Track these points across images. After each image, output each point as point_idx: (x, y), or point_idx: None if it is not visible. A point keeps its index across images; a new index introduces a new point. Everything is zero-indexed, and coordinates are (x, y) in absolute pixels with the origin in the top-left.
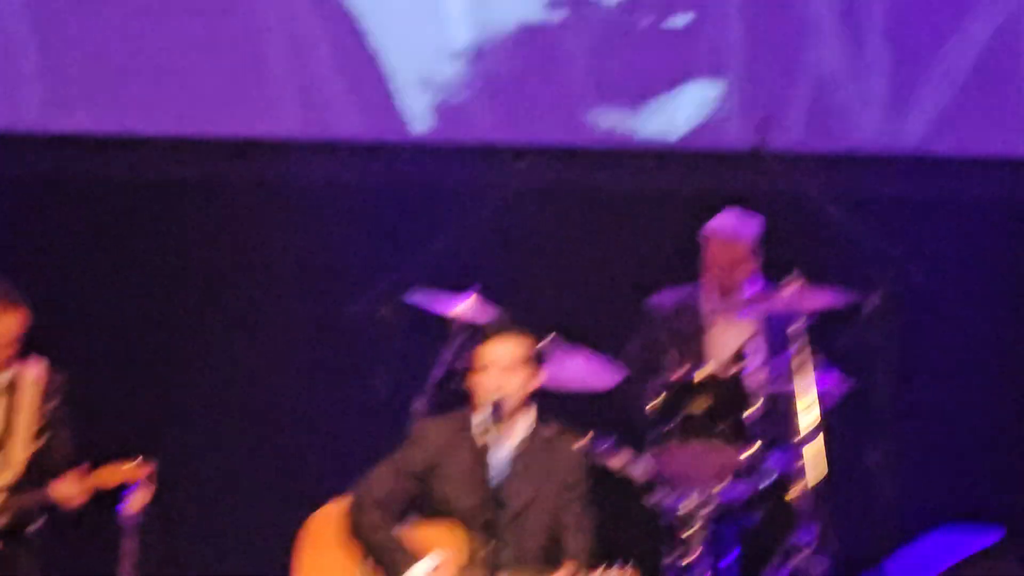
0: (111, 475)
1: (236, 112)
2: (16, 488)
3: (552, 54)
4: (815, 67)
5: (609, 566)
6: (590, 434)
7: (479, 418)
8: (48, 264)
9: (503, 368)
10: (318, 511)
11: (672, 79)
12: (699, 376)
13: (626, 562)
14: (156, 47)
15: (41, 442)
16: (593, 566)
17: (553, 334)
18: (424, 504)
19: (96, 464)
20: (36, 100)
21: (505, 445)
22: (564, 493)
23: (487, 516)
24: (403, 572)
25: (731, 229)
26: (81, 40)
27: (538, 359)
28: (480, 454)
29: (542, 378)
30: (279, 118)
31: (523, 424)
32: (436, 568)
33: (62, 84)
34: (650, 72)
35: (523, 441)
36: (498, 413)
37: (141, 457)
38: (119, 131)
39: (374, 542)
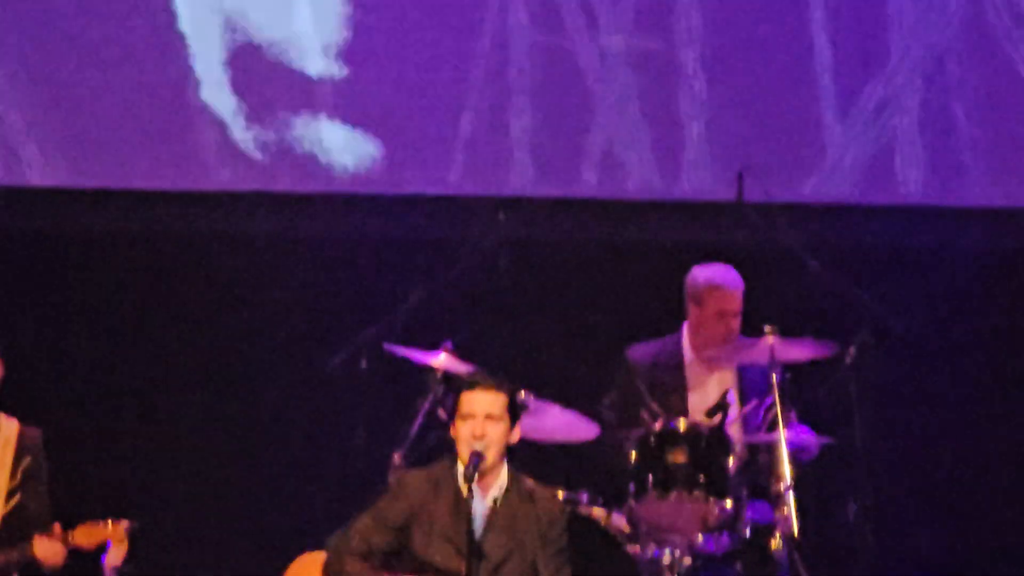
0: (90, 535)
1: (214, 165)
2: None
3: (526, 108)
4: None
5: None
6: (560, 491)
7: (461, 468)
8: (20, 319)
9: (485, 416)
10: (296, 561)
11: (646, 130)
12: (680, 426)
13: None
14: (116, 96)
15: (15, 500)
16: None
17: (524, 391)
18: (402, 556)
19: (73, 523)
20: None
21: (485, 497)
22: (543, 546)
23: (466, 568)
24: None
25: (732, 280)
26: (36, 93)
27: (517, 411)
28: (461, 505)
29: (520, 431)
30: (257, 171)
31: (502, 476)
32: None
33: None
34: (621, 124)
35: (502, 493)
36: (479, 463)
37: (121, 518)
38: (91, 184)
39: None
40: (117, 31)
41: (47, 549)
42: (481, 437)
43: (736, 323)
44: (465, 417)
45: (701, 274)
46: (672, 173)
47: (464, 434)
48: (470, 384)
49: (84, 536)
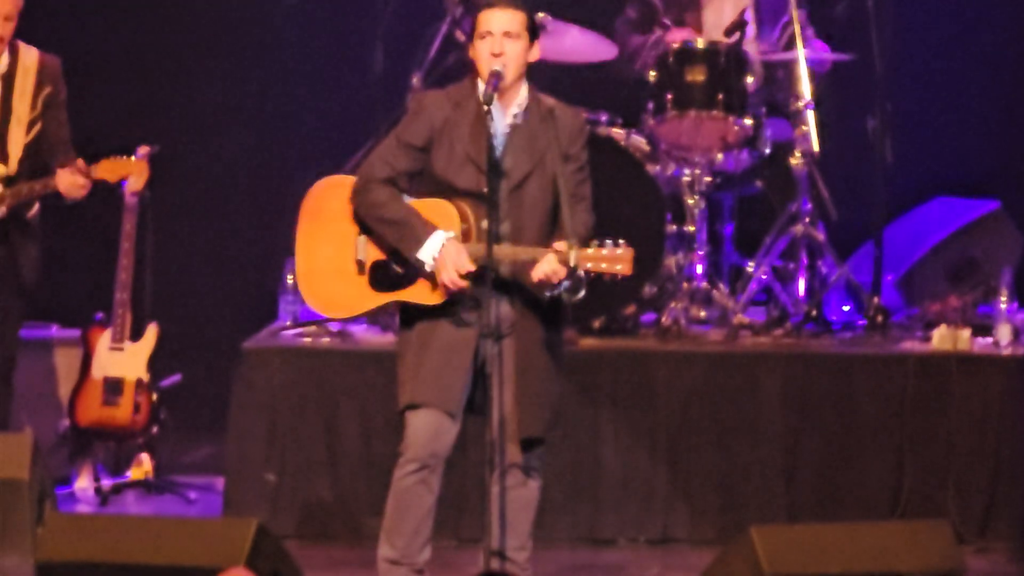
0: (113, 169)
1: None
2: (17, 176)
3: None
4: None
5: (602, 243)
6: (582, 110)
7: (481, 88)
8: None
9: (503, 34)
10: (316, 184)
11: None
12: (698, 45)
13: (618, 240)
14: None
15: (36, 129)
16: (586, 242)
17: (541, 13)
18: (424, 177)
19: (94, 155)
20: None
21: (505, 116)
22: (563, 165)
23: (486, 188)
24: (420, 241)
25: None
26: None
27: (536, 29)
28: (481, 125)
29: (539, 49)
30: None
31: (522, 95)
32: (448, 243)
33: None
34: None
35: (523, 112)
36: (499, 82)
37: (142, 145)
38: None
39: (385, 217)
40: None
41: (70, 182)
42: (499, 55)
43: None
44: (483, 36)
45: None
46: None
47: (483, 53)
48: (487, 3)
49: (107, 170)
